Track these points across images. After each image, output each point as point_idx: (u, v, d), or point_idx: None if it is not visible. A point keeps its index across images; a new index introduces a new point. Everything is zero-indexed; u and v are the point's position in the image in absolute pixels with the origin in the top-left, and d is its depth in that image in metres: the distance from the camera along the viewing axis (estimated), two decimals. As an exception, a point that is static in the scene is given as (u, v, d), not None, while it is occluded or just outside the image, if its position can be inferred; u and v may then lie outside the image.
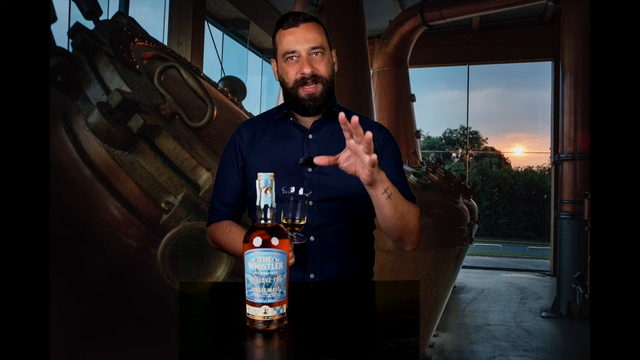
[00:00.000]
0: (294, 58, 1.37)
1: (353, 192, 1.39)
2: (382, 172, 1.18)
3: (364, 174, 1.12)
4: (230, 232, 1.38)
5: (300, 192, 1.17)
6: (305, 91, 1.37)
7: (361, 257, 1.47)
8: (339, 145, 1.41)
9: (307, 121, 1.44)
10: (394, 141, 1.49)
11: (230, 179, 1.46)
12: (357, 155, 1.11)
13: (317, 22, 1.40)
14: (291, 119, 1.44)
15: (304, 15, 1.39)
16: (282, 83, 1.42)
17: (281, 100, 1.55)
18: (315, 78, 1.36)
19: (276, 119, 1.47)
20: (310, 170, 1.38)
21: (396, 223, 1.28)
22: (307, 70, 1.35)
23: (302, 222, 1.18)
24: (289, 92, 1.40)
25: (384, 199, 1.21)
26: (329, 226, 1.38)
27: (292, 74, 1.37)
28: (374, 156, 1.08)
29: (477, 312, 7.37)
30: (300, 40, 1.36)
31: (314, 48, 1.36)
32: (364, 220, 1.45)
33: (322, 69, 1.38)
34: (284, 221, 1.18)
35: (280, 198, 1.13)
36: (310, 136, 1.42)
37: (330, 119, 1.45)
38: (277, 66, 1.43)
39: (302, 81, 1.36)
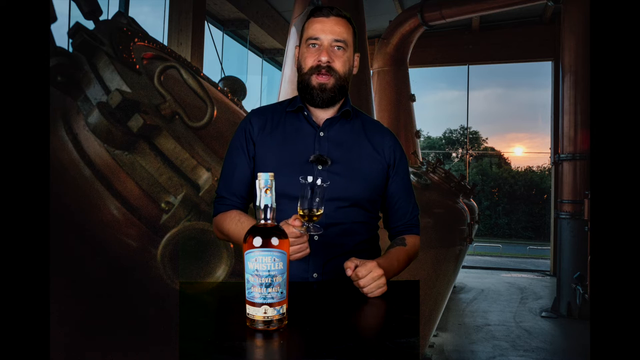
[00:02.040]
0: (316, 45, 1.39)
1: (361, 194, 1.39)
2: (380, 269, 1.23)
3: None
4: (240, 222, 1.37)
5: (318, 182, 1.15)
6: (317, 80, 1.38)
7: (365, 258, 1.46)
8: (350, 145, 1.43)
9: (320, 117, 1.44)
10: (404, 155, 1.51)
11: (239, 167, 1.44)
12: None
13: (347, 21, 1.42)
14: (305, 112, 1.44)
15: (338, 11, 1.41)
16: (299, 69, 1.43)
17: (282, 99, 1.55)
18: (330, 70, 1.38)
19: (288, 111, 1.46)
20: (320, 168, 1.38)
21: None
22: (323, 58, 1.37)
23: (320, 212, 1.17)
24: (302, 78, 1.41)
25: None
26: (334, 226, 1.37)
27: (310, 60, 1.39)
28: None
29: (477, 312, 7.37)
30: (326, 30, 1.38)
31: (337, 41, 1.38)
32: (369, 222, 1.46)
33: (339, 64, 1.39)
34: (301, 212, 1.16)
35: (297, 190, 1.15)
36: (322, 134, 1.42)
37: (342, 118, 1.45)
38: (298, 53, 1.45)
39: (317, 69, 1.38)
